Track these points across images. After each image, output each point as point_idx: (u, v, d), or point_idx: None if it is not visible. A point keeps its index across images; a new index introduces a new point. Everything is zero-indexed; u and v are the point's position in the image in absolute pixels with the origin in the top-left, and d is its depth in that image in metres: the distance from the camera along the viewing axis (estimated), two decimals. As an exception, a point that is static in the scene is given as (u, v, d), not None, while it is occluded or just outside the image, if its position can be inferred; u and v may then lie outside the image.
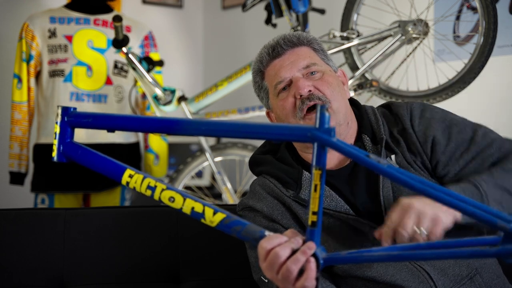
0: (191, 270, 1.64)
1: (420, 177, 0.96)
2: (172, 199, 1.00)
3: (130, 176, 1.02)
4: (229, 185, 2.48)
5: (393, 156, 1.35)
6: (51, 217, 1.64)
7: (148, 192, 1.01)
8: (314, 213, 0.97)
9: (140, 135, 2.80)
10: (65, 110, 1.06)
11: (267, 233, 1.02)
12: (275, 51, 1.40)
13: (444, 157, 1.34)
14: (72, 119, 1.05)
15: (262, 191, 1.40)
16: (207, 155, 2.47)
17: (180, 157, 3.35)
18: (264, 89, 1.45)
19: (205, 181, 3.40)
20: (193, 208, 1.00)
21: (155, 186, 1.00)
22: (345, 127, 1.37)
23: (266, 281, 1.30)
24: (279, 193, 1.37)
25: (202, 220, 1.01)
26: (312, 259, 0.98)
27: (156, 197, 1.01)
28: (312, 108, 1.35)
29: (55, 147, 1.06)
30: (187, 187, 2.69)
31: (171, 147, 3.15)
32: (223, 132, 1.01)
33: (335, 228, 1.31)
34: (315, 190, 0.96)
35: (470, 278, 1.28)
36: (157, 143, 2.74)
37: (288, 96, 1.38)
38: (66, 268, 1.60)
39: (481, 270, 1.30)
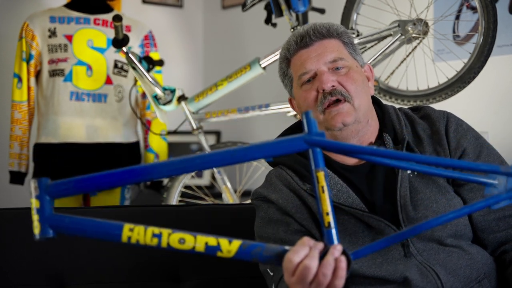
0: (191, 269, 1.64)
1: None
2: (182, 240, 0.93)
3: (131, 230, 0.95)
4: (229, 185, 2.47)
5: None
6: (51, 216, 1.64)
7: (154, 241, 0.93)
8: (327, 214, 0.97)
9: (140, 134, 2.80)
10: (40, 182, 0.94)
11: (287, 247, 0.98)
12: (303, 40, 1.39)
13: None
14: (50, 189, 0.94)
15: (278, 183, 1.39)
16: (207, 154, 2.46)
17: (180, 156, 3.35)
18: (288, 76, 1.44)
19: (205, 181, 3.40)
20: (206, 243, 0.94)
21: (160, 233, 0.93)
22: (364, 125, 1.38)
23: (272, 274, 1.30)
24: (296, 186, 1.37)
25: (219, 254, 0.94)
26: (342, 258, 0.96)
27: (164, 244, 0.93)
28: (333, 102, 1.35)
29: (36, 224, 0.94)
30: (187, 187, 2.69)
31: (171, 146, 3.15)
32: (215, 162, 0.96)
33: (349, 225, 1.31)
34: (323, 191, 0.96)
35: (478, 282, 1.28)
36: (157, 142, 2.74)
37: (311, 89, 1.37)
38: (66, 268, 1.60)
39: (489, 275, 1.30)
